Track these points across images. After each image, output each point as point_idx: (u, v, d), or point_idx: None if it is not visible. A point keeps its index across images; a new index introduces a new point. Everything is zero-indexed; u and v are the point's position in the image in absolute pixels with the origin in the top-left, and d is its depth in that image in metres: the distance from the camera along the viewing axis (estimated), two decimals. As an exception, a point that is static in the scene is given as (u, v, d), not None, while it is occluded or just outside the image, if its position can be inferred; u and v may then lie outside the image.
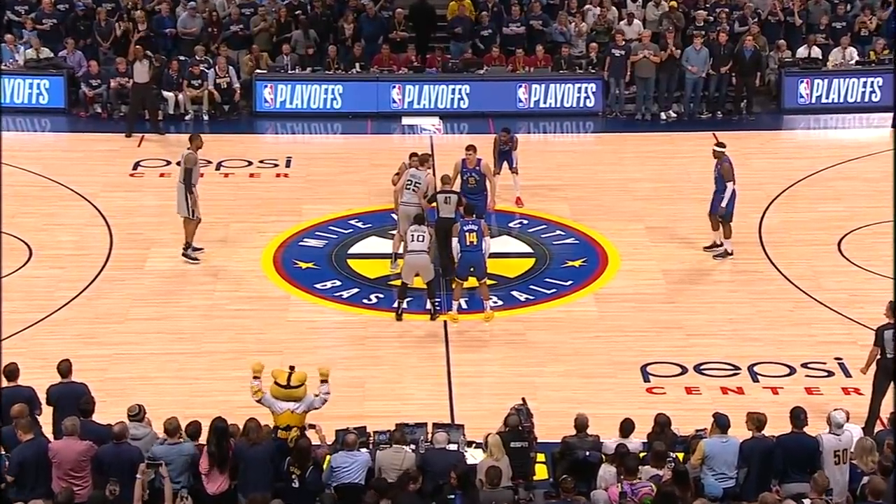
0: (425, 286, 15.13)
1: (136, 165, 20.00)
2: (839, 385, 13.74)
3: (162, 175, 19.58)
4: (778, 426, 11.18)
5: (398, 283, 15.31)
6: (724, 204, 16.36)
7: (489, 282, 15.37)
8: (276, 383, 11.39)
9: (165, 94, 21.94)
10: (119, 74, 21.79)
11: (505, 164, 18.01)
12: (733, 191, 16.33)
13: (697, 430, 11.36)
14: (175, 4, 23.27)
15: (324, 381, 11.56)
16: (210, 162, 19.27)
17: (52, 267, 16.40)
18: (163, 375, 13.87)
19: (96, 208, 18.23)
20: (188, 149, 16.34)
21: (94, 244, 17.08)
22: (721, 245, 16.73)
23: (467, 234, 14.95)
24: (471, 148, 16.70)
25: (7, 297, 15.38)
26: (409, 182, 15.90)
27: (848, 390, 13.50)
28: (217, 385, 13.58)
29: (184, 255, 16.46)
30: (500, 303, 15.60)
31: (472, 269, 15.06)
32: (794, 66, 22.76)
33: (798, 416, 10.93)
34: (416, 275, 15.06)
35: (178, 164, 16.73)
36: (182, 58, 22.32)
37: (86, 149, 20.79)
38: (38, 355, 13.31)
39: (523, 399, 11.63)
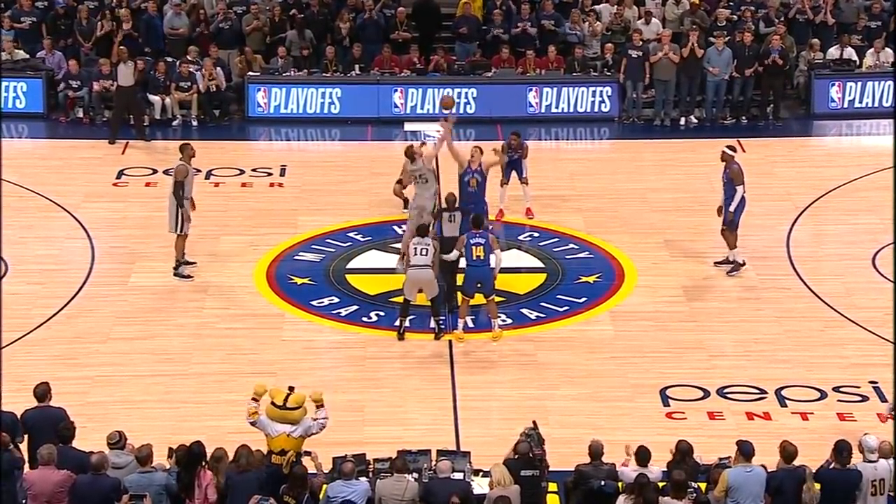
0: (428, 303, 15.14)
1: (121, 174, 20.06)
2: (874, 410, 13.69)
3: (148, 184, 19.63)
4: (807, 454, 11.16)
5: (400, 299, 15.31)
6: (731, 208, 16.35)
7: (497, 298, 15.38)
8: (272, 403, 11.40)
9: (151, 97, 22.02)
10: (102, 76, 21.86)
11: (514, 174, 18.05)
12: (742, 196, 16.34)
13: (721, 459, 11.33)
14: (162, 3, 23.35)
15: (320, 407, 11.55)
16: (199, 170, 19.21)
17: (30, 283, 16.42)
18: (148, 399, 13.88)
19: (77, 220, 18.27)
20: (179, 159, 16.37)
21: (75, 258, 17.12)
22: (733, 261, 16.73)
23: (474, 247, 14.96)
24: (478, 149, 16.77)
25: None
26: (414, 177, 15.91)
27: (884, 417, 13.45)
28: (206, 409, 13.58)
29: (175, 273, 16.47)
30: (510, 321, 15.59)
31: (479, 285, 15.06)
32: (824, 68, 22.78)
33: (842, 451, 10.85)
34: (420, 291, 15.06)
35: (168, 173, 16.75)
36: (169, 59, 22.40)
37: (66, 156, 20.86)
38: (14, 377, 13.29)
39: (534, 423, 11.61)
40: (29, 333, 15.16)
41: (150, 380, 14.27)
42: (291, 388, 11.46)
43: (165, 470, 10.75)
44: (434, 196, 16.12)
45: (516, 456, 11.16)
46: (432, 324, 15.25)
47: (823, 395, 14.08)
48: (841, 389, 14.13)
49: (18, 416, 11.34)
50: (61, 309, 15.77)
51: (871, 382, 14.23)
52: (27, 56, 22.34)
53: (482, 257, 14.97)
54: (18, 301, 15.88)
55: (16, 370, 13.98)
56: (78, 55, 22.62)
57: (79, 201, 18.87)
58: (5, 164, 20.05)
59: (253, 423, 11.37)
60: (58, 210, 18.62)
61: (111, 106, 21.80)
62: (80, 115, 22.22)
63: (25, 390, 11.80)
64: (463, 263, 15.26)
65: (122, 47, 21.25)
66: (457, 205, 15.81)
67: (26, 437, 11.28)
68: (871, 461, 10.89)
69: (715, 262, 16.88)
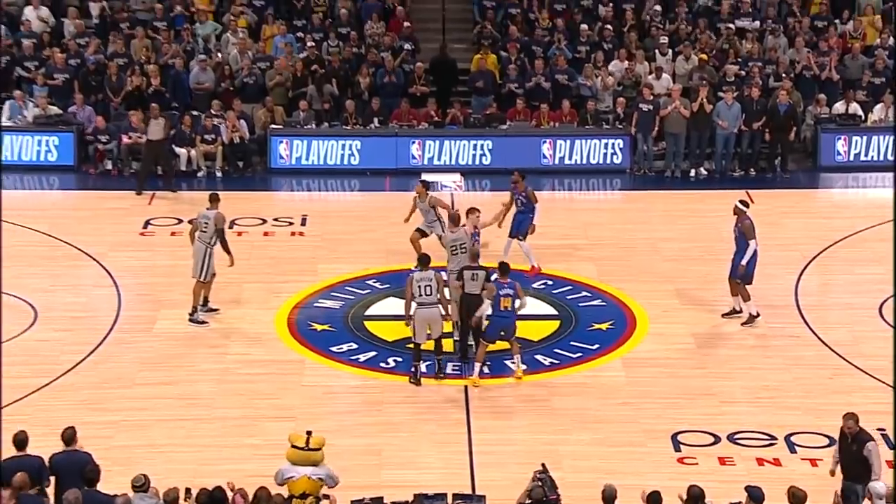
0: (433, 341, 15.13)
1: (147, 224, 20.19)
2: (882, 458, 13.56)
3: (173, 234, 19.75)
4: (816, 500, 11.08)
5: (430, 345, 15.26)
6: (744, 262, 16.34)
7: (505, 345, 15.37)
8: (293, 446, 11.40)
9: (177, 149, 22.22)
10: (131, 129, 22.09)
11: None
12: (755, 250, 16.33)
13: (732, 504, 11.26)
14: (189, 59, 23.61)
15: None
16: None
17: (58, 330, 16.48)
18: (171, 443, 13.88)
19: (104, 268, 18.38)
20: (209, 209, 16.48)
21: (102, 306, 17.20)
22: (740, 311, 16.69)
23: (503, 298, 14.98)
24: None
25: (11, 361, 15.48)
26: (454, 247, 15.90)
27: (892, 463, 13.35)
28: (228, 452, 13.57)
29: (191, 320, 16.53)
30: (524, 367, 15.56)
31: (502, 333, 15.14)
32: (830, 123, 22.83)
33: (849, 497, 10.78)
34: (429, 331, 15.08)
35: (193, 222, 16.83)
36: (195, 113, 22.62)
37: (95, 207, 21.02)
38: (42, 422, 13.35)
39: (543, 465, 11.55)
40: (57, 379, 15.19)
41: (174, 424, 14.28)
42: (309, 432, 11.47)
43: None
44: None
45: (530, 502, 11.10)
46: (427, 368, 15.15)
47: (833, 442, 13.86)
48: (849, 436, 14.02)
49: (46, 460, 11.35)
50: (88, 355, 15.82)
51: (879, 430, 14.10)
52: (60, 111, 22.59)
53: (509, 308, 15.02)
54: (47, 347, 15.97)
55: (44, 414, 14.04)
56: (108, 110, 22.87)
57: (106, 250, 18.98)
58: (37, 216, 20.31)
59: (281, 484, 11.29)
60: (86, 259, 18.74)
61: (139, 158, 22.01)
62: (109, 167, 22.42)
63: (53, 434, 11.82)
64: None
65: (154, 105, 21.47)
66: (479, 262, 15.72)
67: (53, 479, 11.29)
68: (879, 506, 10.82)
69: (723, 315, 16.86)
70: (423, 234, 17.89)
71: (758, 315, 16.63)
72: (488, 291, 15.13)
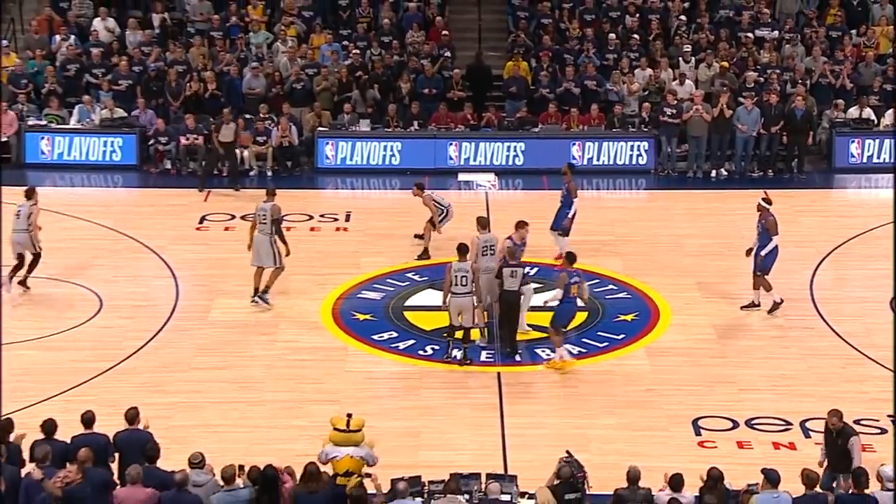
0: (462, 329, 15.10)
1: (203, 219, 20.29)
2: (893, 442, 13.44)
3: (227, 228, 19.84)
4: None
5: (460, 334, 15.24)
6: (763, 253, 16.22)
7: (542, 335, 15.36)
8: (335, 429, 11.42)
9: (230, 150, 22.32)
10: (188, 131, 22.22)
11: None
12: (776, 245, 16.21)
13: (749, 485, 11.18)
14: (242, 66, 23.70)
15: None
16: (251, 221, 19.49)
17: (121, 317, 16.61)
18: (225, 423, 13.96)
19: (164, 260, 18.49)
20: (266, 201, 16.63)
21: (161, 295, 17.30)
22: (759, 305, 16.57)
23: (572, 286, 15.01)
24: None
25: (79, 346, 15.72)
26: (485, 248, 15.82)
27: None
28: (277, 433, 13.63)
29: (260, 298, 16.60)
30: (554, 355, 15.52)
31: (572, 318, 15.19)
32: (845, 127, 22.61)
33: (859, 476, 10.73)
34: (460, 319, 15.06)
35: (252, 216, 16.88)
36: (247, 116, 22.70)
37: (155, 203, 21.13)
38: (106, 402, 13.45)
39: (568, 452, 11.52)
40: (120, 363, 15.32)
41: (227, 406, 14.36)
42: (349, 415, 11.49)
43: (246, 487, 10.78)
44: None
45: (559, 480, 11.08)
46: (458, 353, 15.16)
47: (845, 428, 13.84)
48: (861, 422, 13.86)
49: (111, 438, 11.46)
50: (149, 341, 15.93)
51: (890, 416, 14.00)
52: (125, 114, 22.76)
53: (575, 295, 15.07)
54: (111, 334, 16.10)
55: (108, 396, 14.16)
56: (167, 113, 23.01)
57: (165, 244, 19.09)
58: (102, 212, 20.47)
59: (324, 463, 11.29)
60: (147, 252, 18.86)
61: (195, 158, 22.13)
62: (168, 166, 22.56)
63: (117, 414, 11.91)
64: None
65: (225, 109, 21.60)
66: (519, 260, 15.61)
67: (117, 456, 11.39)
68: (889, 489, 10.72)
69: (742, 307, 16.73)
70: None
71: (781, 301, 16.52)
72: (560, 280, 15.07)
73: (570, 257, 15.34)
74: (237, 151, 22.21)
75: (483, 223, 16.25)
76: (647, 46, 24.15)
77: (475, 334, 15.52)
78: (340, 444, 11.36)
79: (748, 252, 16.57)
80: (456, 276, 15.02)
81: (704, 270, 18.10)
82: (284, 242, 16.76)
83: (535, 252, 17.27)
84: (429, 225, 18.38)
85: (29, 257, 17.02)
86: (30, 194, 17.17)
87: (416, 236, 18.72)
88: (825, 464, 11.80)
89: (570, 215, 17.89)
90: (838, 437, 11.62)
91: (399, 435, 13.14)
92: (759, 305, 16.64)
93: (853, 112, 22.79)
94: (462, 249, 15.30)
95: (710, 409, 14.24)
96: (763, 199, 16.64)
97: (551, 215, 18.19)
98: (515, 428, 13.95)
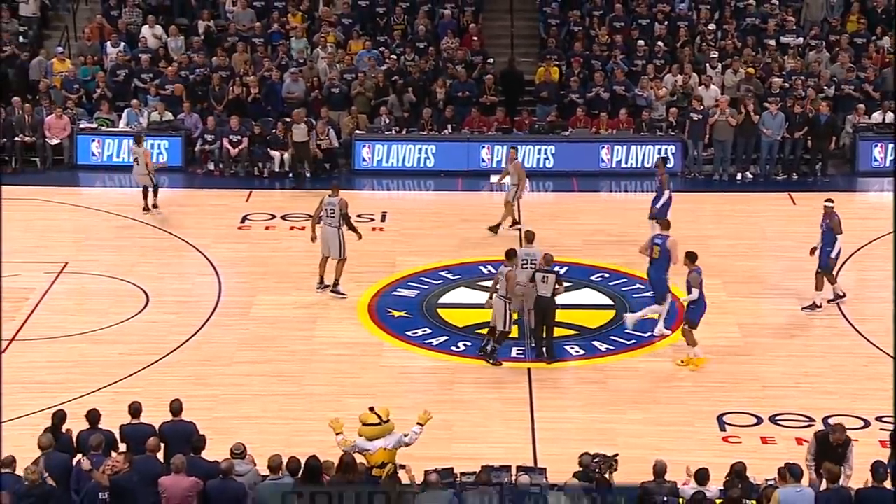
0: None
1: (244, 219, 20.40)
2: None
3: (267, 228, 19.94)
4: (852, 478, 10.88)
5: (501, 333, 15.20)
6: (833, 255, 16.27)
7: (571, 332, 15.38)
8: (369, 425, 11.38)
9: (272, 152, 22.42)
10: (231, 133, 22.36)
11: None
12: (840, 245, 16.31)
13: (767, 480, 11.10)
14: (283, 71, 23.80)
15: (419, 425, 11.56)
16: (311, 216, 19.57)
17: (167, 313, 16.72)
18: (265, 415, 14.04)
19: (207, 258, 18.61)
20: (332, 196, 16.97)
21: (205, 292, 17.40)
22: (821, 306, 16.51)
23: (695, 288, 14.98)
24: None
25: (126, 339, 15.86)
26: (524, 262, 15.62)
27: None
28: (315, 425, 13.63)
29: (333, 291, 16.90)
30: (582, 352, 15.51)
31: (702, 316, 15.17)
32: (868, 131, 22.42)
33: (878, 469, 10.64)
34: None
35: (316, 211, 17.04)
36: (287, 119, 22.80)
37: (199, 203, 21.25)
38: (152, 394, 13.57)
39: (587, 453, 11.47)
40: (165, 357, 15.44)
41: (267, 399, 14.44)
42: (371, 408, 11.45)
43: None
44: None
45: (580, 469, 11.07)
46: (489, 347, 15.16)
47: (867, 424, 13.76)
48: (883, 419, 13.79)
49: (157, 428, 11.55)
50: (192, 336, 16.04)
51: (910, 414, 13.87)
52: (172, 117, 22.92)
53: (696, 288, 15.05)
54: (156, 329, 16.23)
55: (154, 388, 14.28)
56: (211, 116, 23.11)
57: (209, 242, 19.21)
58: (149, 212, 20.59)
59: (350, 451, 11.29)
60: (191, 250, 18.99)
61: (238, 160, 22.26)
62: (212, 167, 22.70)
63: (162, 405, 12.01)
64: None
65: (297, 110, 21.79)
66: (553, 266, 15.48)
67: (162, 446, 11.48)
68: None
69: (802, 308, 16.59)
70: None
71: (844, 295, 16.52)
72: (693, 280, 14.99)
73: (692, 256, 15.21)
74: (278, 153, 22.33)
75: (529, 237, 16.20)
76: (675, 53, 24.04)
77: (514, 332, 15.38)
78: (374, 438, 11.36)
79: (812, 251, 16.51)
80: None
81: (730, 270, 18.00)
82: (355, 231, 17.11)
83: (558, 251, 17.08)
84: (509, 205, 18.80)
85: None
86: (139, 141, 20.25)
87: (489, 229, 18.93)
88: (812, 468, 11.56)
89: (657, 205, 18.02)
90: (840, 448, 11.52)
91: (432, 428, 13.07)
92: (820, 307, 16.51)
93: (876, 116, 22.58)
94: (510, 255, 15.27)
95: (734, 406, 14.17)
96: (827, 200, 16.64)
97: (579, 215, 18.11)
98: (545, 422, 13.94)
